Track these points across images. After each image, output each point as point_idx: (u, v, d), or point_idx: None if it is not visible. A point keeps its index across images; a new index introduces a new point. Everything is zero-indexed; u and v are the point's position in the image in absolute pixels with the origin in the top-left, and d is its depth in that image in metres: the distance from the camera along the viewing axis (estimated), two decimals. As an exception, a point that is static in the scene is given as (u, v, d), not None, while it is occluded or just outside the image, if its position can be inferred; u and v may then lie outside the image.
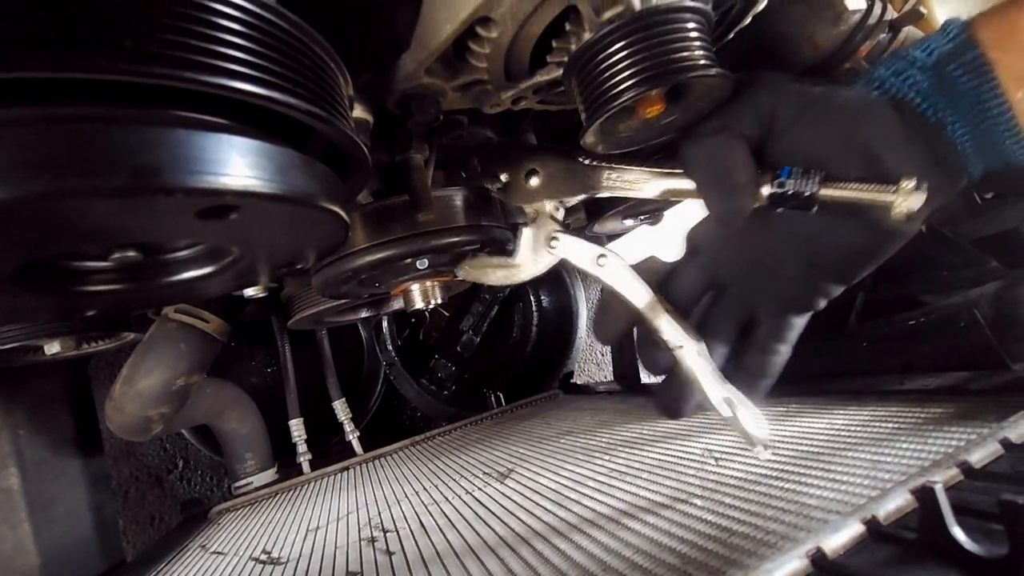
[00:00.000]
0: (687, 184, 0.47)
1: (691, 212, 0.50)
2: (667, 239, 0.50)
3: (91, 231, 0.22)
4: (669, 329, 0.49)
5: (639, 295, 0.50)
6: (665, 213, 0.50)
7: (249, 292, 0.71)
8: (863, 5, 0.48)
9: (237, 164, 0.23)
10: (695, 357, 0.49)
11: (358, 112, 0.42)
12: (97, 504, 0.83)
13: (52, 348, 0.64)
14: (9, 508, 0.72)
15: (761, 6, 0.43)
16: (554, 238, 0.51)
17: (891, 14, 0.53)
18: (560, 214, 0.51)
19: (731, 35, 0.45)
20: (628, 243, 0.51)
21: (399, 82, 0.41)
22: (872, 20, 0.49)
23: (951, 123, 0.39)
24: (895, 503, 0.32)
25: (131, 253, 0.30)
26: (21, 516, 0.73)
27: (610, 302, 0.53)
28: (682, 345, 0.49)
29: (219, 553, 0.64)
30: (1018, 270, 0.59)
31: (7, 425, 0.74)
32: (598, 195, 0.51)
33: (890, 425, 0.47)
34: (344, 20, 0.37)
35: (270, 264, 0.35)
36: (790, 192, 0.41)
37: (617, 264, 0.50)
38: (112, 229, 0.23)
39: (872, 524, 0.30)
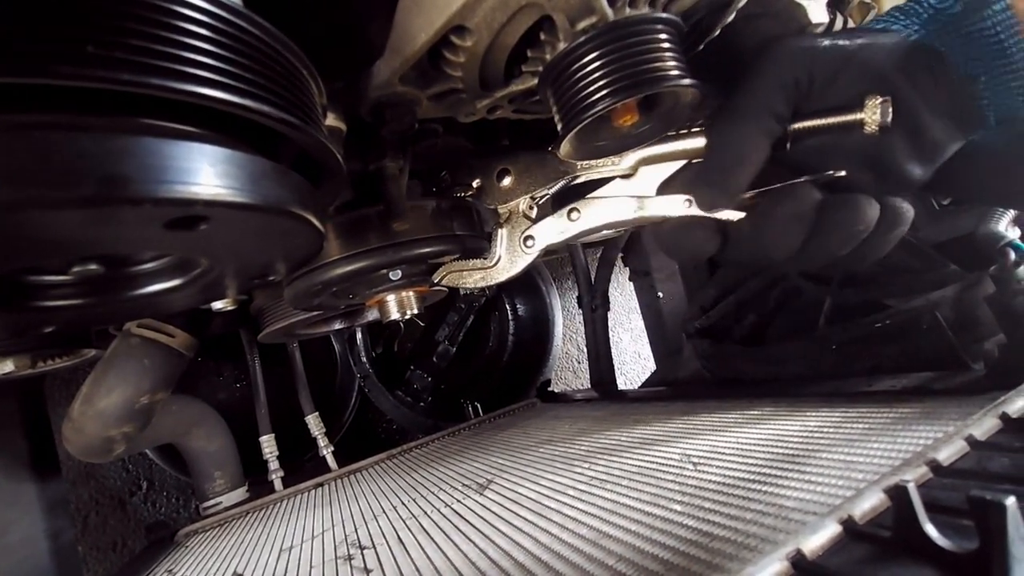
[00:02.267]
0: (658, 150, 0.48)
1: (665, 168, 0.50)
2: (641, 189, 0.50)
3: (54, 243, 0.21)
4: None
5: (627, 207, 0.49)
6: (640, 166, 0.50)
7: (217, 305, 0.69)
8: (826, 18, 0.50)
9: (207, 173, 0.22)
10: None
11: (331, 120, 0.42)
12: (54, 531, 0.79)
13: (5, 367, 0.61)
14: (-42, 538, 0.68)
15: (728, 19, 0.44)
16: (529, 237, 0.51)
17: (851, 25, 0.55)
18: (533, 212, 0.51)
19: (701, 47, 0.46)
20: (604, 197, 0.51)
21: (373, 90, 0.40)
22: (836, 28, 0.51)
23: (975, 73, 0.40)
24: (870, 502, 0.32)
25: (93, 266, 0.28)
26: (-29, 546, 0.69)
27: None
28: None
29: (187, 578, 0.62)
30: (975, 273, 0.62)
31: (-45, 450, 0.70)
32: (575, 180, 0.51)
33: (861, 426, 0.48)
34: (317, 27, 0.36)
35: (241, 276, 0.34)
36: None
37: (590, 207, 0.49)
38: (76, 241, 0.22)
39: (848, 524, 0.31)
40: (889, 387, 0.57)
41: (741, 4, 0.42)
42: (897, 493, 0.28)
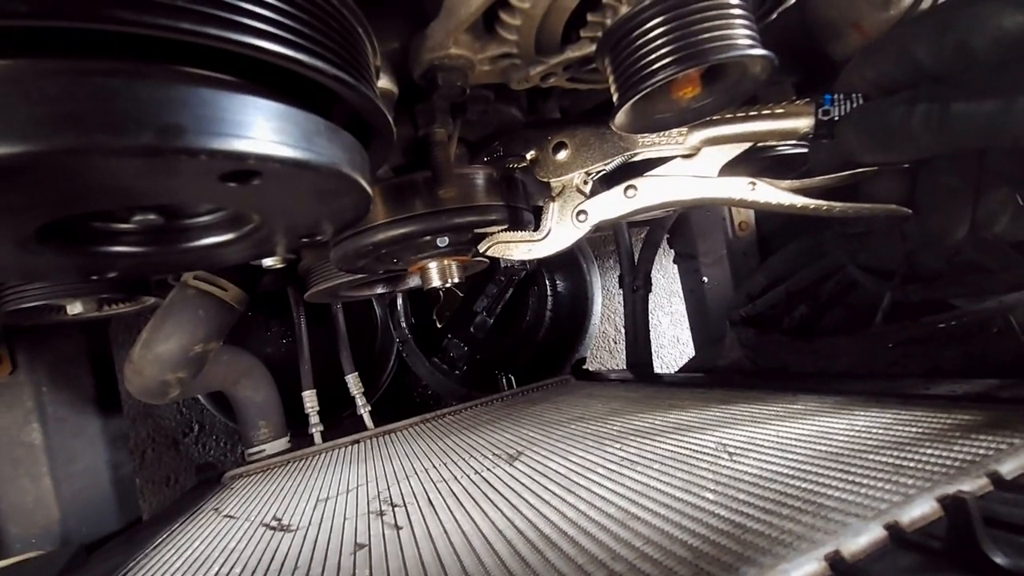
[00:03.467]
0: (725, 130, 0.45)
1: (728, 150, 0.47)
2: (702, 170, 0.47)
3: (113, 190, 0.22)
4: None
5: (686, 187, 0.47)
6: (704, 146, 0.47)
7: (267, 262, 0.71)
8: (918, -11, 0.45)
9: (262, 128, 0.22)
10: None
11: (383, 83, 0.41)
12: (116, 463, 0.85)
13: (74, 308, 0.65)
14: (31, 462, 0.75)
15: (808, -14, 0.41)
16: (582, 212, 0.50)
17: None
18: (587, 187, 0.50)
19: (774, 15, 0.43)
20: (661, 176, 0.49)
21: (426, 52, 0.40)
22: (926, 4, 0.46)
23: None
24: (920, 510, 0.31)
25: (152, 216, 0.29)
26: (43, 470, 0.75)
27: None
28: None
29: (231, 517, 0.66)
30: (1059, 277, 0.57)
31: (30, 382, 0.76)
32: (634, 157, 0.49)
33: (913, 430, 0.46)
34: (373, -15, 0.36)
35: (290, 234, 0.35)
36: (836, 118, 0.40)
37: (648, 185, 0.48)
38: (134, 189, 0.22)
39: (895, 530, 0.29)
40: (948, 391, 0.54)
41: (823, -31, 0.39)
42: (953, 503, 0.26)
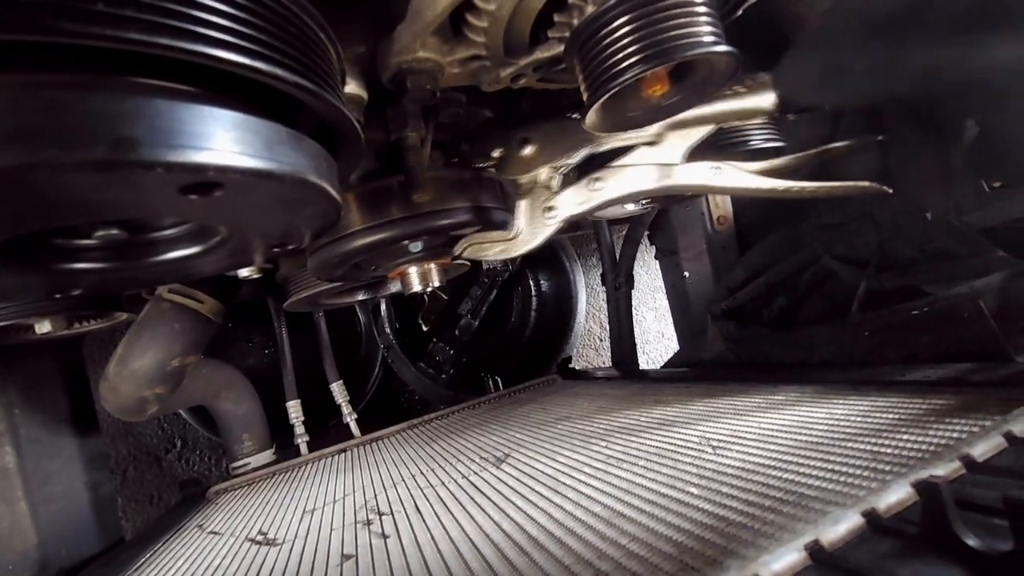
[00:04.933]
0: (687, 115, 0.45)
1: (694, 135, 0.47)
2: (667, 157, 0.47)
3: (71, 205, 0.21)
4: None
5: (651, 175, 0.47)
6: (667, 132, 0.47)
7: (243, 273, 0.70)
8: (877, -17, 0.46)
9: (221, 138, 0.21)
10: None
11: (351, 88, 0.41)
12: (95, 483, 0.83)
13: (43, 327, 0.63)
14: (6, 487, 0.72)
15: (771, -20, 0.41)
16: (550, 208, 0.50)
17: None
18: (555, 182, 0.50)
19: (739, 12, 0.43)
20: (628, 166, 0.49)
21: (394, 56, 0.39)
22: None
23: None
24: (896, 496, 0.31)
25: (115, 231, 0.29)
26: (18, 494, 0.73)
27: None
28: None
29: (216, 533, 0.64)
30: (1025, 260, 0.58)
31: (2, 404, 0.74)
32: (599, 148, 0.49)
33: (891, 416, 0.47)
34: (337, -10, 0.35)
35: (261, 244, 0.34)
36: None
37: (613, 175, 0.48)
38: (93, 204, 0.22)
39: (872, 517, 0.30)
40: (923, 377, 0.55)
41: (786, -34, 0.39)
42: (926, 488, 0.27)
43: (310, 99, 0.25)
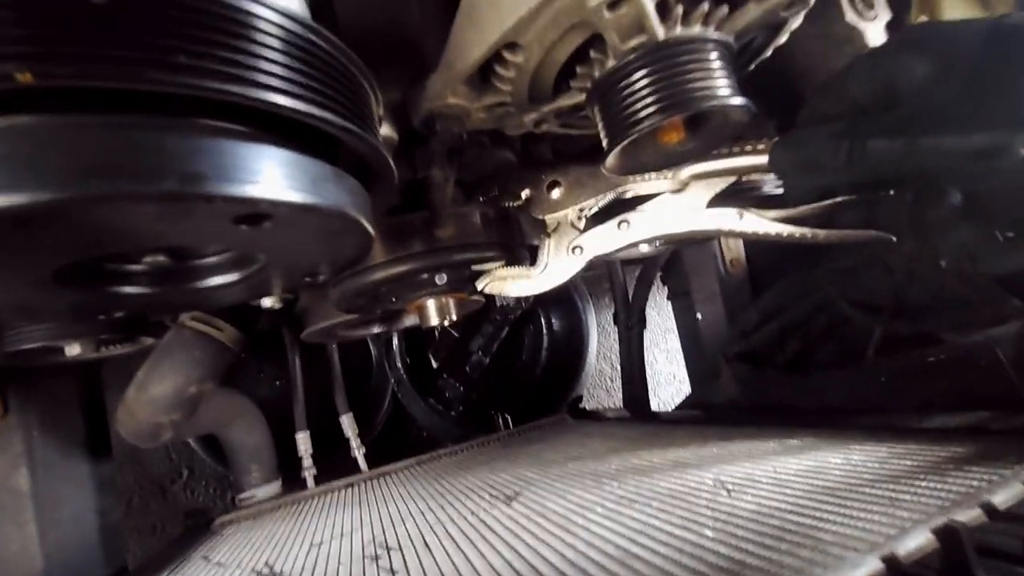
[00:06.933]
0: (711, 166, 0.47)
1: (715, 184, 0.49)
2: (691, 203, 0.49)
3: (132, 234, 0.23)
4: None
5: (676, 220, 0.49)
6: (691, 180, 0.50)
7: (266, 302, 0.72)
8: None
9: (274, 174, 0.23)
10: None
11: (385, 130, 0.43)
12: (103, 509, 0.83)
13: (73, 350, 0.65)
14: (17, 509, 0.73)
15: (782, 39, 0.44)
16: (578, 247, 0.52)
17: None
18: (582, 223, 0.52)
19: (752, 66, 0.46)
20: (650, 211, 0.51)
21: (425, 102, 0.42)
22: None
23: None
24: (915, 542, 0.31)
25: (162, 258, 0.30)
26: (28, 517, 0.73)
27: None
28: None
29: (221, 565, 0.64)
30: (1041, 310, 0.58)
31: (21, 425, 0.75)
32: (625, 194, 0.52)
33: (908, 463, 0.46)
34: (376, 41, 0.38)
35: (293, 273, 0.36)
36: None
37: (640, 218, 0.49)
38: (151, 232, 0.23)
39: (892, 562, 0.30)
40: (941, 424, 0.55)
41: (795, 26, 0.42)
42: (947, 534, 0.27)
43: (354, 141, 0.27)
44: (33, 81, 0.17)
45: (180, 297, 0.34)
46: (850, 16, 0.47)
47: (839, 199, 0.43)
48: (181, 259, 0.33)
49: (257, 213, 0.23)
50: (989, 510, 0.34)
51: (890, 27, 0.49)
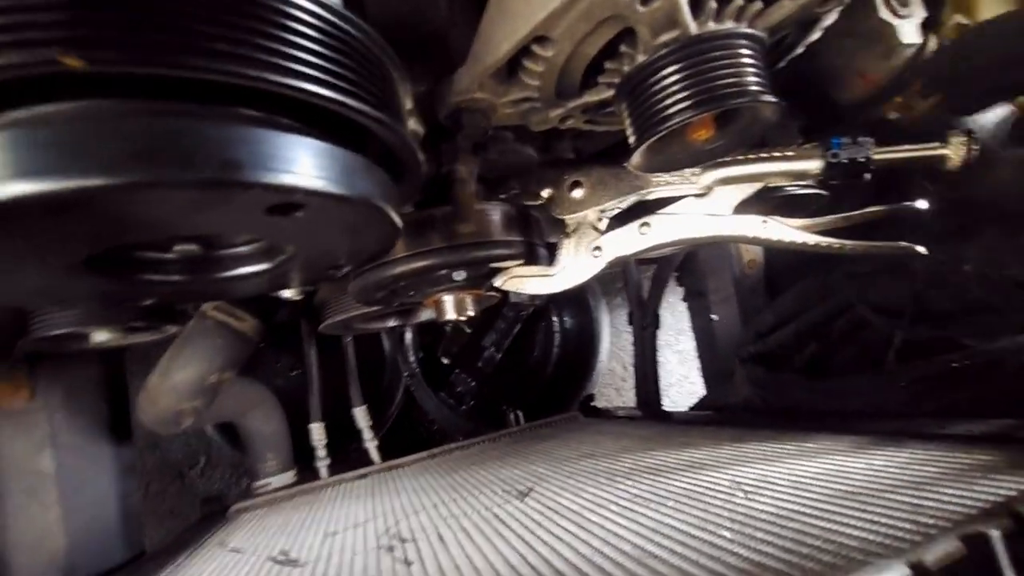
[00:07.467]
0: (738, 171, 0.47)
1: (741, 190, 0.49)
2: (715, 208, 0.49)
3: (168, 222, 0.23)
4: None
5: (699, 225, 0.49)
6: (716, 186, 0.49)
7: (287, 294, 0.72)
8: (918, 39, 0.48)
9: (308, 164, 0.24)
10: None
11: (411, 124, 0.43)
12: (124, 493, 0.85)
13: (99, 336, 0.66)
14: (42, 490, 0.74)
15: (814, 36, 0.43)
16: (597, 248, 0.51)
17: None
18: (603, 224, 0.52)
19: (783, 63, 0.45)
20: (675, 214, 0.50)
21: (453, 96, 0.42)
22: (927, 55, 0.49)
23: None
24: (943, 548, 0.30)
25: (192, 246, 0.31)
26: (52, 498, 0.75)
27: None
28: None
29: (237, 551, 0.65)
30: (1070, 317, 0.57)
31: (46, 409, 0.77)
32: (648, 196, 0.51)
33: (932, 469, 0.45)
34: (406, 34, 0.38)
35: (318, 265, 0.36)
36: (844, 160, 0.41)
37: (662, 222, 0.49)
38: (188, 220, 0.24)
39: (919, 568, 0.29)
40: (965, 431, 0.54)
41: (828, 23, 0.41)
42: (977, 541, 0.26)
43: (385, 132, 0.27)
44: (82, 67, 0.18)
45: (207, 286, 0.34)
46: (883, 12, 0.46)
47: (868, 210, 0.43)
48: (210, 248, 0.33)
49: (290, 203, 0.24)
50: (1019, 519, 0.33)
51: (925, 25, 0.48)
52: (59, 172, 0.19)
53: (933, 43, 0.48)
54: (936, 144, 0.40)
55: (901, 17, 0.46)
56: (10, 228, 0.20)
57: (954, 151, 0.39)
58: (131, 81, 0.21)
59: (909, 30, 0.47)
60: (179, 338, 0.77)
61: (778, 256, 1.14)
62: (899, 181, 0.63)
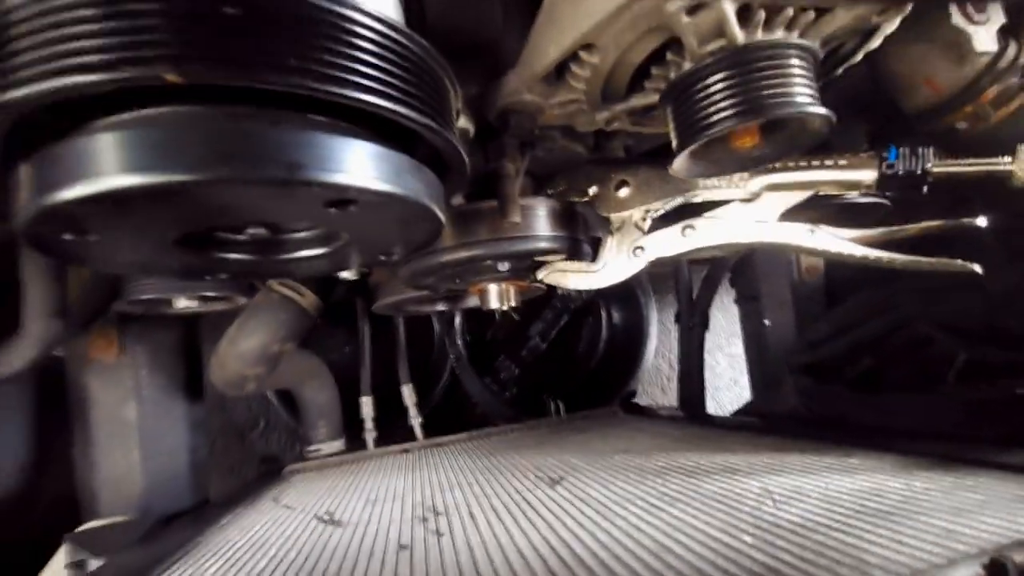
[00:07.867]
0: (788, 178, 0.46)
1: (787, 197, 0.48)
2: (762, 214, 0.48)
3: (242, 210, 0.27)
4: None
5: (744, 231, 0.49)
6: (764, 191, 0.49)
7: (344, 274, 0.77)
8: (994, 47, 0.45)
9: (362, 165, 0.26)
10: None
11: (462, 122, 0.46)
12: (194, 446, 0.94)
13: (180, 303, 0.74)
14: (125, 437, 0.84)
15: (875, 44, 0.42)
16: (640, 247, 0.52)
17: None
18: (646, 224, 0.52)
19: (839, 71, 0.44)
20: (720, 218, 0.50)
21: (502, 98, 0.44)
22: (1004, 63, 0.46)
23: None
24: (962, 573, 0.30)
25: (263, 230, 0.35)
26: (133, 445, 0.84)
27: None
28: None
29: (288, 507, 0.71)
30: None
31: (132, 365, 0.86)
32: (694, 199, 0.51)
33: (976, 497, 0.44)
34: (460, 40, 0.40)
35: (371, 252, 0.39)
36: (901, 172, 0.40)
37: (706, 225, 0.50)
38: (257, 209, 0.27)
39: (932, 590, 0.29)
40: (1022, 462, 0.51)
41: (890, 31, 0.40)
42: (993, 566, 0.26)
43: (434, 137, 0.30)
44: (180, 80, 0.21)
45: (274, 265, 0.39)
46: (957, 19, 0.43)
47: (923, 224, 0.41)
48: (278, 232, 0.37)
49: (346, 199, 0.27)
50: (1053, 554, 0.32)
51: (1003, 32, 0.45)
52: (161, 168, 0.22)
53: (1012, 50, 0.45)
54: (1004, 159, 0.38)
55: (976, 23, 0.43)
56: (119, 211, 0.25)
57: (1020, 167, 0.37)
58: (208, 90, 0.24)
59: (984, 37, 0.44)
60: (247, 309, 0.84)
61: (840, 266, 1.09)
62: (977, 195, 0.60)
